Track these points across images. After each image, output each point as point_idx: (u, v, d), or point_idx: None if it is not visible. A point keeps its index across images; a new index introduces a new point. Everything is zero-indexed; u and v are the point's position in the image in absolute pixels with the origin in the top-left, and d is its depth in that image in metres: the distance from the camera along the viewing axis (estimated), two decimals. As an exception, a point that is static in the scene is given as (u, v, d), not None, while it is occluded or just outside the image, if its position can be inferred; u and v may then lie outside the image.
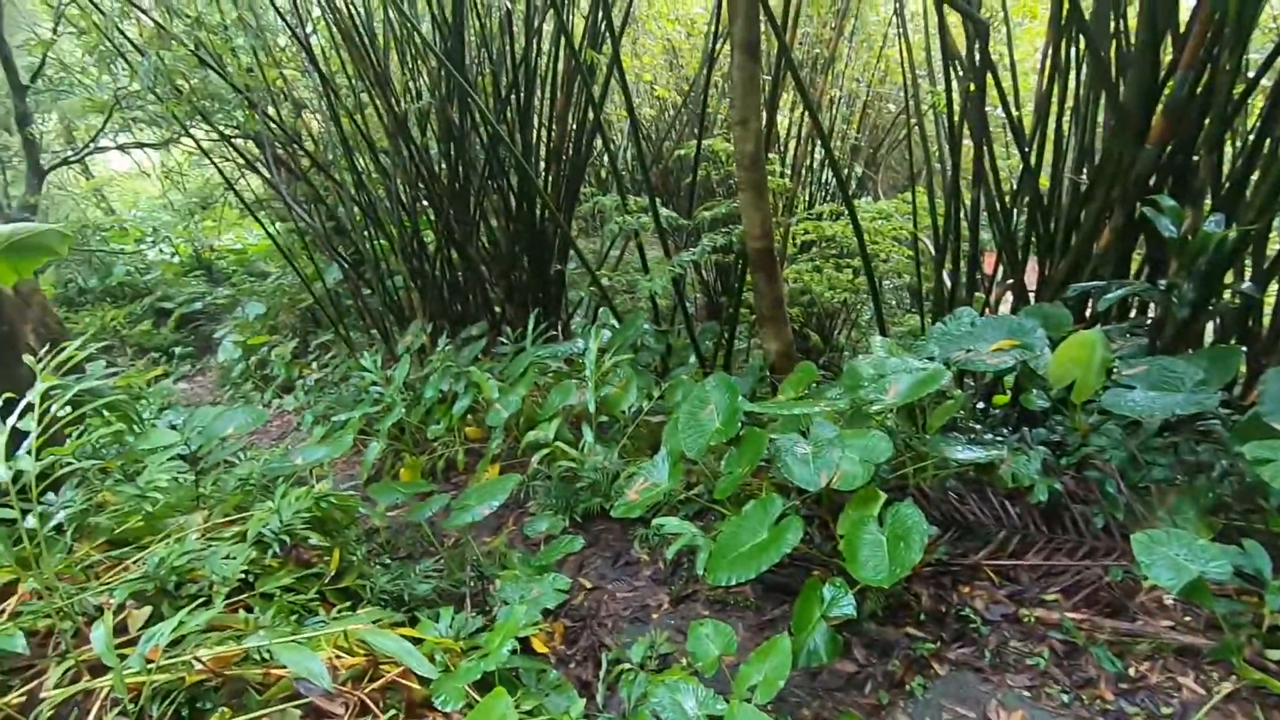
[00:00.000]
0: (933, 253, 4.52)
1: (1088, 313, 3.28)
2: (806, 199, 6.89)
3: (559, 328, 5.39)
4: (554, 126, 5.03)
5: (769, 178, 5.10)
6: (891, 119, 7.25)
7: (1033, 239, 3.64)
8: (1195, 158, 2.93)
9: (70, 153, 6.24)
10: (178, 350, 6.52)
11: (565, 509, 3.14)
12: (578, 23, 5.29)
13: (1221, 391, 2.41)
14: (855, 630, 2.28)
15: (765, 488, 2.82)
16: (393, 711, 1.71)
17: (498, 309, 5.57)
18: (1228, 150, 3.12)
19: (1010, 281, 3.90)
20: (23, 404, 1.43)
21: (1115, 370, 2.48)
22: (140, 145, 6.16)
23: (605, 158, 5.52)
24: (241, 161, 5.20)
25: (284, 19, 4.71)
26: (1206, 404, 2.20)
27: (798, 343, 6.28)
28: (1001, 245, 3.94)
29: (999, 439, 2.85)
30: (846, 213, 5.67)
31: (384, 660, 1.78)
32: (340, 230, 5.66)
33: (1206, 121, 2.80)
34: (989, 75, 3.59)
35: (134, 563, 1.73)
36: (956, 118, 4.05)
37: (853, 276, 6.06)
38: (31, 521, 1.51)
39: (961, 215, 3.94)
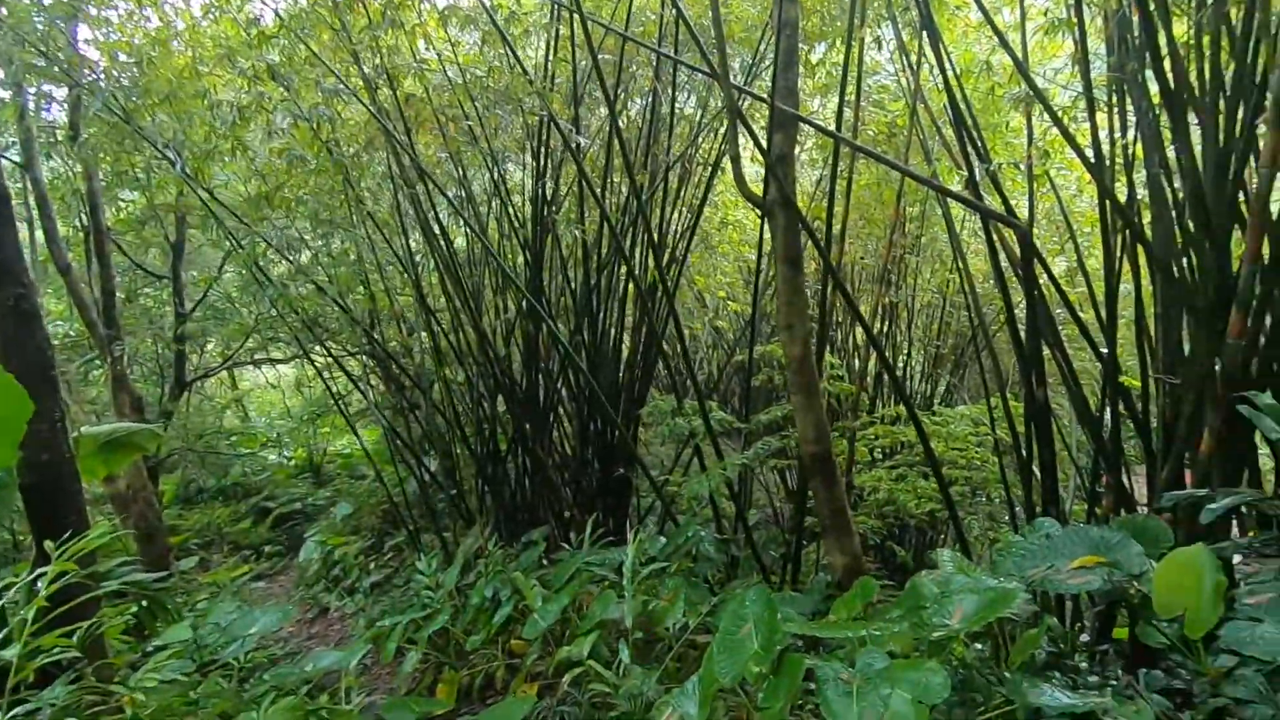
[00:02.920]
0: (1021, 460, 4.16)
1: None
2: (888, 402, 6.73)
3: (627, 533, 5.25)
4: (630, 340, 5.38)
5: (835, 382, 5.08)
6: (970, 328, 7.19)
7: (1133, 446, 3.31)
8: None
9: (207, 370, 7.28)
10: (267, 549, 6.83)
11: (595, 742, 2.79)
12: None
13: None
14: None
15: (819, 728, 2.39)
16: None
17: (567, 514, 5.54)
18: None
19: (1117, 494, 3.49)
20: (14, 588, 1.49)
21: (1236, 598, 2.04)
22: (270, 360, 7.08)
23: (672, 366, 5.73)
24: (347, 377, 5.79)
25: (400, 259, 5.51)
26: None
27: (883, 558, 5.73)
28: (1096, 452, 3.59)
29: (1110, 682, 2.34)
30: (932, 418, 5.45)
31: None
32: (428, 437, 6.02)
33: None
34: (1049, 281, 3.56)
35: (95, 772, 1.65)
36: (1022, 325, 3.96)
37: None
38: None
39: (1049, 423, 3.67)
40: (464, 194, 5.50)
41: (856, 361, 6.40)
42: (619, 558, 3.97)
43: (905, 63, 4.85)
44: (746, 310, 7.61)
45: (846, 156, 4.66)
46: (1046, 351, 3.74)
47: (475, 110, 4.92)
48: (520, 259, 5.58)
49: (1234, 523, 3.07)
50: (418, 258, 5.61)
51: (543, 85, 4.17)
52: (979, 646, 2.74)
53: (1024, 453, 3.70)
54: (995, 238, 4.03)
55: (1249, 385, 2.63)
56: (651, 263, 4.83)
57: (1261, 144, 2.58)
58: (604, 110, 5.39)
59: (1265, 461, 3.76)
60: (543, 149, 5.13)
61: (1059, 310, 4.15)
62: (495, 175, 5.34)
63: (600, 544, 4.25)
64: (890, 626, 2.33)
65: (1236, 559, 2.58)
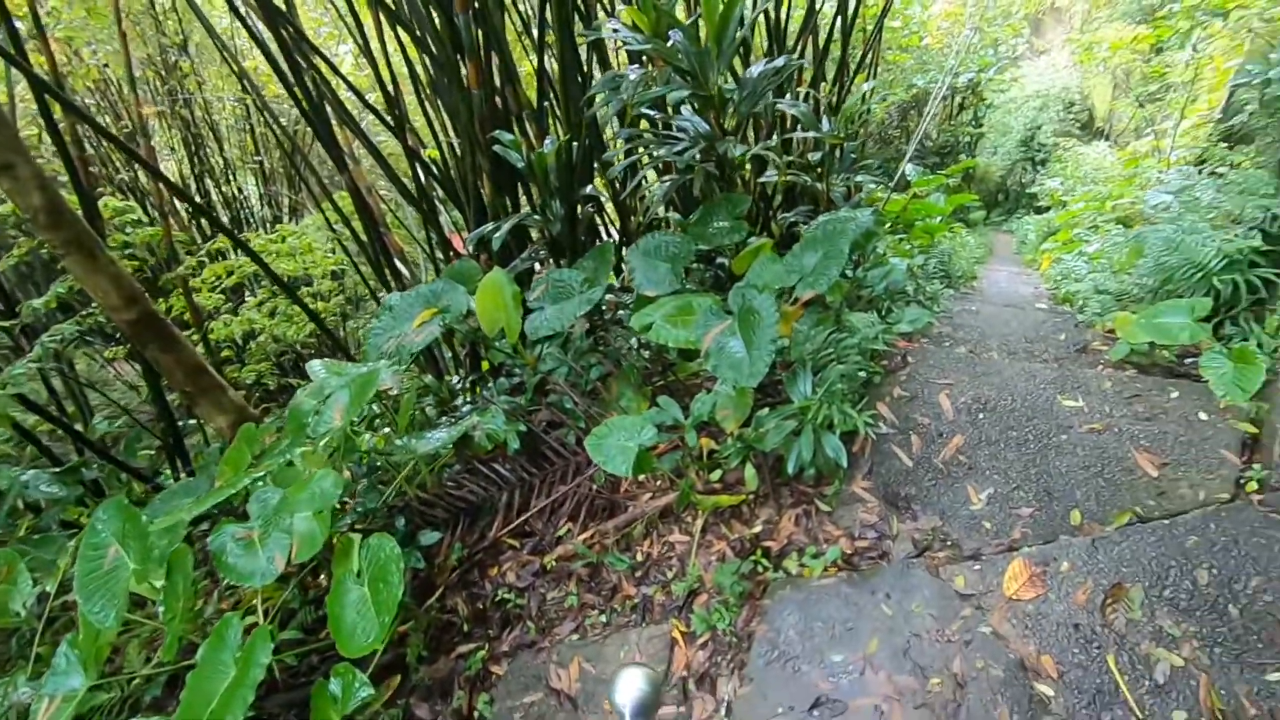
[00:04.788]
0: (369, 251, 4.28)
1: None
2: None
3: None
4: None
5: (136, 229, 4.11)
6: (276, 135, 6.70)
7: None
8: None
9: None
10: None
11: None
12: None
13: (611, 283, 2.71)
14: (408, 690, 1.94)
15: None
16: None
17: None
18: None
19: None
20: None
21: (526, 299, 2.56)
22: None
23: None
24: None
25: None
26: (594, 299, 2.40)
27: (285, 396, 5.48)
28: (424, 220, 3.89)
29: (478, 404, 2.78)
30: (275, 239, 5.02)
31: None
32: None
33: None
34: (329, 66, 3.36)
35: None
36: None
37: (318, 304, 5.51)
38: None
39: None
40: None
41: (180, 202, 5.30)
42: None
43: None
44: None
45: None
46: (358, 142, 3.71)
47: None
48: None
49: (530, 239, 3.84)
50: None
51: None
52: (388, 430, 2.89)
53: (366, 241, 3.77)
54: (256, 26, 3.57)
55: (499, 126, 3.12)
56: None
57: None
58: None
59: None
60: None
61: (348, 95, 4.09)
62: None
63: None
64: (280, 458, 2.19)
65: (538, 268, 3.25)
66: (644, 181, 3.85)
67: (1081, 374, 2.41)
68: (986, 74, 10.05)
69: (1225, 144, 3.50)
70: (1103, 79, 10.05)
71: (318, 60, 3.39)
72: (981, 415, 2.24)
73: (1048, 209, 8.44)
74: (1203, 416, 2.12)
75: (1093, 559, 1.76)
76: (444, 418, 2.91)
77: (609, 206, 4.06)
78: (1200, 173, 3.28)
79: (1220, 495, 1.88)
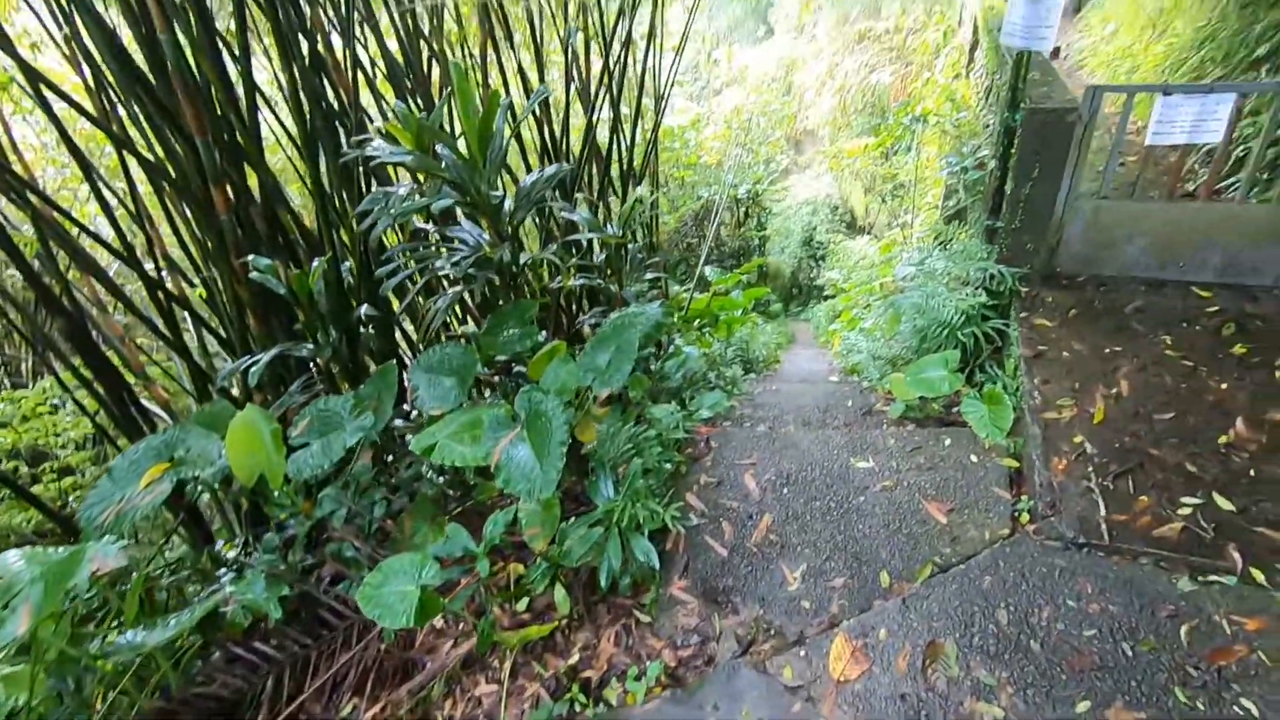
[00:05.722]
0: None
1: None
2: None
3: None
4: None
5: None
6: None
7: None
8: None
9: None
10: None
11: None
12: None
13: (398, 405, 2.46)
14: None
15: None
16: None
17: None
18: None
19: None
20: None
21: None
22: None
23: None
24: None
25: None
26: (368, 426, 2.14)
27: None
28: (189, 365, 3.39)
29: (239, 573, 2.32)
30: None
31: None
32: None
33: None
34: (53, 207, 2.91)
35: None
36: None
37: (62, 481, 4.60)
38: None
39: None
40: None
41: None
42: None
43: None
44: None
45: None
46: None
47: None
48: None
49: (314, 368, 3.46)
50: None
51: None
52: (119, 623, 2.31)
53: (105, 397, 3.19)
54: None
55: (260, 252, 2.84)
56: None
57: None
58: None
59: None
60: None
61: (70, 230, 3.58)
62: None
63: None
64: (-74, 697, 1.62)
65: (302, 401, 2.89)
66: (441, 291, 3.71)
67: (869, 435, 2.52)
68: (761, 186, 11.35)
69: (949, 223, 4.11)
70: (855, 183, 11.76)
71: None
72: (786, 490, 2.23)
73: (834, 296, 9.44)
74: (973, 459, 2.27)
75: (906, 620, 1.73)
76: (202, 589, 2.39)
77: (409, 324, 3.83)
78: (934, 248, 3.79)
79: (1001, 532, 1.97)
